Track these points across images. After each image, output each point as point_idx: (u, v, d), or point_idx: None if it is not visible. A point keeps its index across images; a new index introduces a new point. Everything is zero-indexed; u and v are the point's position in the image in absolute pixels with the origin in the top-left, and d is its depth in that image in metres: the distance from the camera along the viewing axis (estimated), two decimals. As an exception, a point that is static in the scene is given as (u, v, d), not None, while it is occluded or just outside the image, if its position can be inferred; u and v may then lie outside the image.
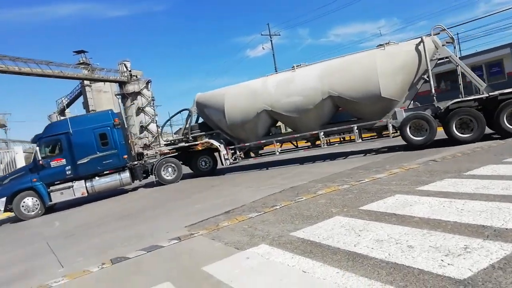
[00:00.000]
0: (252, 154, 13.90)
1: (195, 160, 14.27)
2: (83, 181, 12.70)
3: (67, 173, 12.54)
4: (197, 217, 6.74)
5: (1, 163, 22.32)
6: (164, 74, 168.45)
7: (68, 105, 60.52)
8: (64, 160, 12.51)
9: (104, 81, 54.54)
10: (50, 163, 12.42)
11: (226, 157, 13.23)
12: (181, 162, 14.09)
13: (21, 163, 21.43)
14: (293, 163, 12.77)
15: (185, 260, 4.61)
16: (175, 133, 16.09)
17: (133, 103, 54.40)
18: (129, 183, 13.37)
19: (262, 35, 39.05)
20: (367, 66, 10.96)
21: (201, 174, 14.22)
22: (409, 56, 10.75)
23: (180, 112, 16.29)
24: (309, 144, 13.06)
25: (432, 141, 10.57)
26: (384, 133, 11.63)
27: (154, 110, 55.15)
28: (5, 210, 12.02)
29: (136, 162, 13.83)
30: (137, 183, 14.56)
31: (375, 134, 12.04)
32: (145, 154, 15.99)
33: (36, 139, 12.69)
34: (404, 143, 11.12)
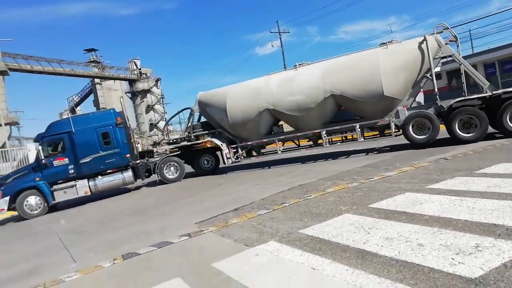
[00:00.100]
0: (254, 153, 13.86)
1: (197, 159, 14.26)
2: (86, 180, 12.70)
3: (69, 172, 12.53)
4: (206, 214, 6.78)
5: (14, 160, 22.67)
6: (173, 72, 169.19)
7: (79, 103, 61.11)
8: (67, 159, 12.50)
9: (114, 79, 55.01)
10: (53, 162, 12.43)
11: (228, 156, 13.23)
12: (183, 161, 14.09)
13: (33, 160, 21.70)
14: (295, 162, 12.74)
15: (195, 256, 4.65)
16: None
17: (143, 101, 54.81)
18: (131, 182, 13.35)
19: (271, 32, 39.02)
20: (370, 65, 10.91)
21: (204, 173, 14.21)
22: (412, 54, 10.68)
23: (182, 111, 16.35)
24: (311, 143, 13.02)
25: (435, 139, 10.52)
26: (386, 131, 11.57)
27: (163, 108, 55.52)
28: (9, 209, 12.04)
29: (138, 161, 13.80)
30: (139, 182, 14.55)
31: (377, 133, 12.00)
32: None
33: (39, 138, 12.71)
34: (407, 141, 11.07)
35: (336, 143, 12.79)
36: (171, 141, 15.08)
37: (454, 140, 10.14)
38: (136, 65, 54.57)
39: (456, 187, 5.43)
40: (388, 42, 11.17)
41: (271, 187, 8.58)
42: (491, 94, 9.79)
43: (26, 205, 11.97)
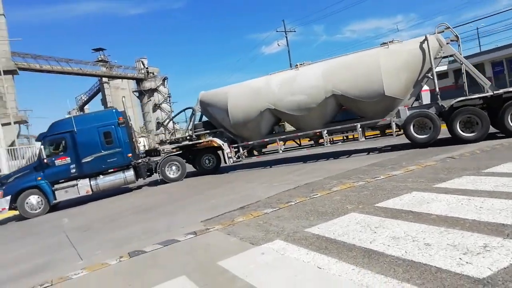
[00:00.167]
0: (256, 153, 13.86)
1: (198, 158, 14.27)
2: (87, 179, 12.69)
3: (71, 171, 12.53)
4: (212, 213, 6.79)
5: (23, 158, 22.91)
6: (180, 71, 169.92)
7: (87, 102, 61.59)
8: (69, 158, 12.49)
9: (122, 78, 55.34)
10: (55, 161, 12.41)
11: (229, 155, 13.26)
12: (185, 161, 14.08)
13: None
14: (297, 161, 12.72)
15: (201, 254, 4.66)
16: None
17: (150, 100, 55.08)
18: (133, 181, 13.35)
19: (277, 31, 38.94)
20: (371, 65, 10.88)
21: (205, 172, 14.22)
22: (413, 54, 10.63)
23: (183, 110, 16.38)
24: (312, 142, 13.00)
25: (436, 139, 10.47)
26: (387, 131, 11.53)
27: (170, 106, 55.73)
28: (10, 209, 12.03)
29: (140, 160, 13.80)
30: (140, 181, 14.54)
31: (378, 132, 11.96)
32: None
33: (41, 138, 12.72)
34: (408, 141, 11.02)
35: (337, 142, 12.76)
36: (173, 141, 15.11)
37: (455, 140, 10.10)
38: (143, 64, 54.90)
39: (464, 186, 5.38)
40: (389, 42, 11.15)
41: (277, 186, 8.58)
42: (492, 93, 9.76)
43: (27, 205, 11.95)
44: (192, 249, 4.92)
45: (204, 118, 14.60)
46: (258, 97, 12.38)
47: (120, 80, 57.32)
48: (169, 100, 56.47)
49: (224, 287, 3.53)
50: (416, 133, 10.67)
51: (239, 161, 13.83)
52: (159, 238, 5.71)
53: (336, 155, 12.35)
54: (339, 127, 11.93)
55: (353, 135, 11.92)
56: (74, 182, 12.58)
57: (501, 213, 4.02)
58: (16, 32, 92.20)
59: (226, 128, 13.53)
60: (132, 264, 4.79)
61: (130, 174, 13.13)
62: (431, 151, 9.56)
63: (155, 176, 14.06)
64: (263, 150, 13.98)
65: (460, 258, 3.12)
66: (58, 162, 12.45)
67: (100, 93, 61.42)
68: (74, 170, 12.55)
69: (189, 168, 14.48)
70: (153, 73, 54.97)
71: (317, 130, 12.01)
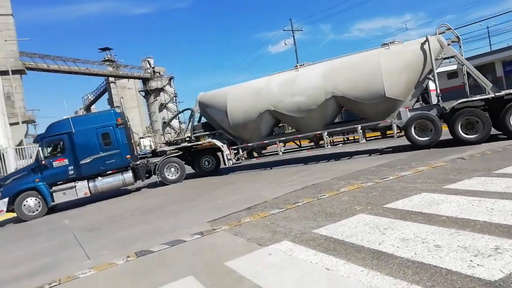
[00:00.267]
0: (255, 154, 13.78)
1: (198, 159, 14.20)
2: (85, 181, 12.51)
3: (69, 173, 12.34)
4: (219, 213, 6.78)
5: (30, 158, 23.10)
6: (186, 71, 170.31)
7: (94, 101, 62.00)
8: (67, 160, 12.32)
9: (128, 77, 55.63)
10: (53, 163, 12.25)
11: (229, 157, 13.17)
12: (184, 162, 13.98)
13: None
14: (297, 163, 12.65)
15: (208, 255, 4.64)
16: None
17: (156, 99, 55.28)
18: (131, 183, 13.21)
19: (284, 30, 38.80)
20: (372, 66, 10.80)
21: (204, 174, 14.14)
22: (414, 55, 10.55)
23: (182, 111, 16.32)
24: (312, 144, 12.91)
25: (437, 141, 10.38)
26: (388, 133, 11.44)
27: (176, 106, 55.87)
28: (8, 211, 11.90)
29: (139, 162, 13.69)
30: (139, 183, 14.37)
31: (379, 134, 11.87)
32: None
33: (39, 139, 12.63)
34: (409, 143, 10.95)
35: (337, 144, 12.66)
36: (172, 142, 15.03)
37: (456, 142, 10.03)
38: (149, 64, 55.16)
39: (474, 188, 5.31)
40: (390, 43, 11.09)
41: (284, 186, 8.54)
42: (494, 95, 9.69)
43: (24, 207, 11.79)
44: (199, 250, 4.91)
45: (203, 120, 14.52)
46: (257, 98, 12.31)
47: (127, 79, 57.66)
48: (175, 100, 56.69)
49: (231, 287, 3.51)
50: (417, 135, 10.60)
51: (239, 163, 13.76)
52: (166, 238, 5.71)
53: (337, 156, 12.27)
54: (339, 129, 11.87)
55: (354, 137, 11.85)
56: (72, 184, 12.41)
57: (513, 214, 3.96)
58: (23, 32, 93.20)
59: (226, 130, 13.46)
60: (139, 264, 4.80)
61: (128, 175, 12.96)
62: (441, 152, 9.47)
63: (154, 178, 13.94)
64: (263, 151, 13.90)
65: (471, 260, 3.07)
66: (56, 163, 12.26)
67: (107, 92, 61.84)
68: (72, 172, 12.35)
69: (188, 170, 14.39)
70: (159, 73, 55.22)
71: (317, 132, 11.93)
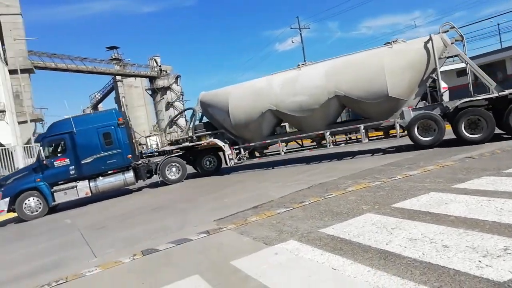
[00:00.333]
0: (257, 154, 13.72)
1: (199, 159, 14.17)
2: (86, 181, 12.47)
3: (70, 173, 12.30)
4: (225, 212, 6.77)
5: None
6: (192, 69, 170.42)
7: (101, 100, 62.40)
8: (68, 159, 12.29)
9: (135, 76, 55.87)
10: (54, 163, 12.21)
11: (230, 157, 13.13)
12: (185, 162, 13.94)
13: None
14: (299, 162, 12.58)
15: (214, 254, 4.64)
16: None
17: (163, 98, 55.46)
18: (133, 183, 13.14)
19: (291, 28, 38.73)
20: (374, 65, 10.69)
21: (206, 173, 14.11)
22: (417, 54, 10.43)
23: (184, 111, 16.29)
24: (314, 143, 12.82)
25: (441, 141, 10.28)
26: (391, 132, 11.33)
27: (183, 105, 55.97)
28: (9, 210, 11.79)
29: (140, 162, 13.64)
30: (140, 183, 14.33)
31: (382, 133, 11.77)
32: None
33: (40, 139, 12.61)
34: (412, 143, 10.86)
35: (340, 144, 12.58)
36: (173, 142, 14.99)
37: (460, 141, 9.94)
38: (156, 62, 55.33)
39: (483, 187, 5.24)
40: (393, 42, 10.97)
41: (289, 186, 8.51)
42: (497, 94, 9.58)
43: (25, 206, 11.75)
44: (205, 248, 4.91)
45: (205, 119, 14.48)
46: (259, 98, 12.23)
47: (133, 78, 57.90)
48: (182, 98, 56.81)
49: (237, 287, 3.51)
50: (420, 135, 10.50)
51: (240, 163, 13.71)
52: (172, 237, 5.72)
53: (339, 156, 12.18)
54: (341, 128, 11.78)
55: (356, 137, 11.77)
56: (73, 183, 12.37)
57: (523, 215, 3.90)
58: (32, 31, 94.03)
59: (227, 129, 13.39)
60: (145, 262, 4.81)
61: (129, 175, 12.91)
62: (450, 150, 9.37)
63: (155, 178, 13.88)
64: (265, 151, 13.84)
65: (480, 261, 3.03)
66: (57, 163, 12.24)
67: (114, 91, 62.19)
68: (73, 172, 12.31)
69: (189, 169, 14.33)
70: (166, 71, 55.36)
71: (320, 132, 11.85)
